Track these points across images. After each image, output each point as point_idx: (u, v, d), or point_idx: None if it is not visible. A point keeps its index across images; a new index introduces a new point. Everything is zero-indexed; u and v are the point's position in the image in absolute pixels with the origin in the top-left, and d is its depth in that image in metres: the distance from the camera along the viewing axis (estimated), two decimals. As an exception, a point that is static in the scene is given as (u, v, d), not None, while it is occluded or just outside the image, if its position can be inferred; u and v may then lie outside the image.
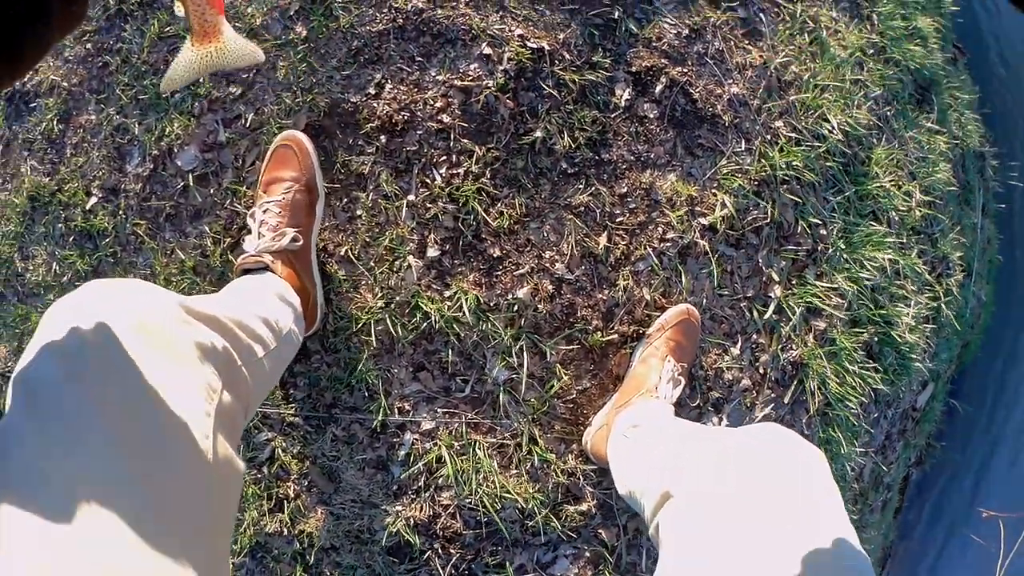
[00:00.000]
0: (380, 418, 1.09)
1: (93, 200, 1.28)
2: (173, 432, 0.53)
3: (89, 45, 1.37)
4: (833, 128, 1.29)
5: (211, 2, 0.54)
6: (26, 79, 1.43)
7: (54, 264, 1.33)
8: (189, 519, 0.52)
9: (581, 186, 1.12)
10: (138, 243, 1.23)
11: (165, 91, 0.72)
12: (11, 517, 0.43)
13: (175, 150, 1.20)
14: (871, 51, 1.45)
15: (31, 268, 1.36)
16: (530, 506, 1.10)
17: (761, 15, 1.29)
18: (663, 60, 1.18)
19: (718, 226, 1.16)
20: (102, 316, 0.55)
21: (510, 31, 1.12)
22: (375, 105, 1.11)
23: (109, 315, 0.55)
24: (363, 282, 1.10)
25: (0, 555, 0.41)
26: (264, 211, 1.04)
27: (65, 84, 1.36)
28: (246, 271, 1.00)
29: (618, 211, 1.13)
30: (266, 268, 0.98)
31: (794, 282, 1.24)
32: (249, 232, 1.04)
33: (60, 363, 0.51)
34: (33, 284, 1.36)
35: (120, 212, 1.24)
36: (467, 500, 1.09)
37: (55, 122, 1.35)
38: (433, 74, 1.11)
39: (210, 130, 1.18)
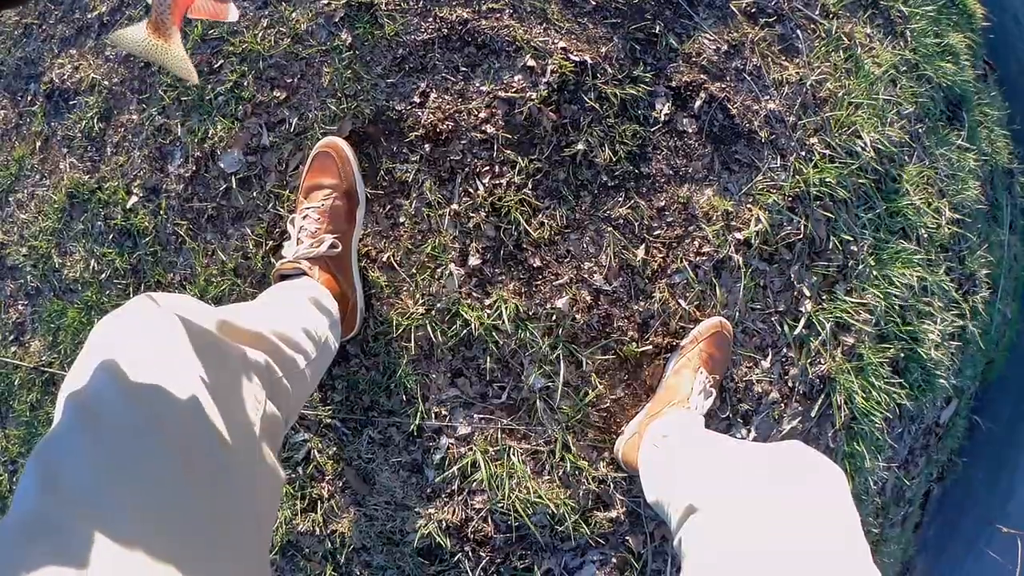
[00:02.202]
0: (417, 422, 1.10)
1: (134, 199, 1.30)
2: (227, 445, 0.54)
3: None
4: (866, 145, 1.30)
5: (172, 10, 0.55)
6: (66, 76, 1.46)
7: (92, 261, 1.35)
8: (243, 530, 0.54)
9: (621, 199, 1.13)
10: (179, 243, 1.25)
11: (110, 43, 0.74)
12: (69, 546, 0.41)
13: (218, 152, 1.22)
14: (904, 68, 1.46)
15: (68, 264, 1.39)
16: (561, 512, 1.11)
17: (798, 32, 1.30)
18: (702, 75, 1.19)
19: (752, 241, 1.18)
20: (154, 331, 0.55)
21: (553, 43, 1.14)
22: (420, 114, 1.12)
23: (161, 330, 0.55)
24: (404, 288, 1.11)
25: None
26: (304, 217, 1.05)
27: (106, 83, 1.38)
28: (284, 276, 1.02)
29: (656, 224, 1.14)
30: (303, 274, 1.00)
31: (824, 297, 1.25)
32: (288, 238, 1.06)
33: (117, 382, 0.50)
34: (70, 280, 1.38)
35: (161, 212, 1.26)
36: (499, 504, 1.11)
37: (96, 120, 1.37)
38: (477, 84, 1.13)
39: (254, 133, 1.20)
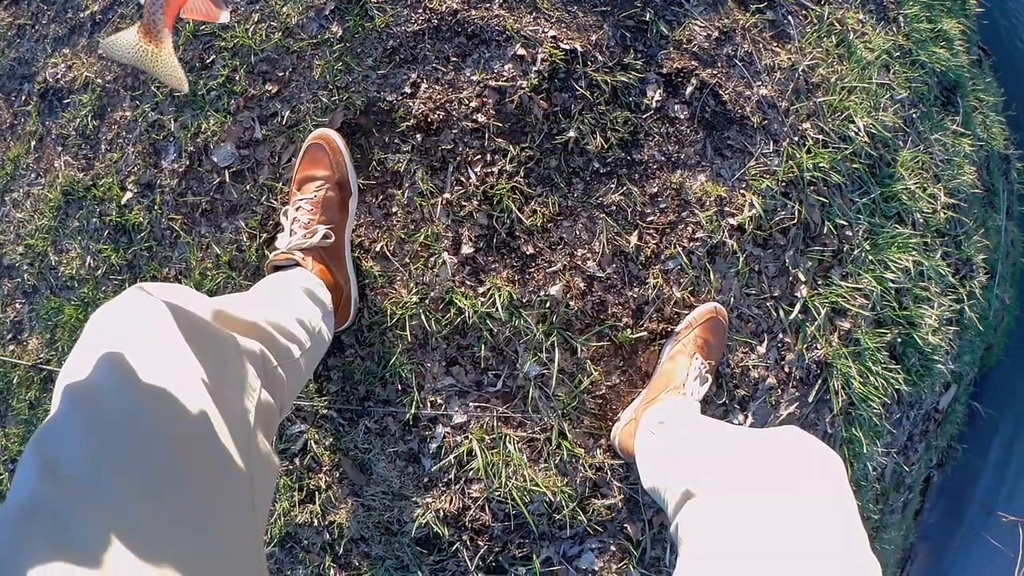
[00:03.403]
0: (412, 411, 1.10)
1: (128, 195, 1.30)
2: (221, 432, 0.54)
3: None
4: (859, 130, 1.30)
5: (165, 10, 0.55)
6: (60, 75, 1.46)
7: (88, 258, 1.35)
8: (238, 517, 0.54)
9: (613, 186, 1.13)
10: (173, 238, 1.25)
11: (101, 51, 0.73)
12: (67, 532, 0.42)
13: (211, 146, 1.22)
14: (897, 53, 1.46)
15: (64, 262, 1.39)
16: (558, 500, 1.11)
17: (789, 17, 1.30)
18: (693, 62, 1.19)
19: (746, 226, 1.17)
20: (148, 321, 0.56)
21: (543, 32, 1.14)
22: (411, 104, 1.12)
23: (155, 319, 0.56)
24: (398, 278, 1.11)
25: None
26: (297, 209, 1.06)
27: (100, 81, 1.39)
28: (278, 268, 1.02)
29: (649, 210, 1.14)
30: (297, 265, 1.00)
31: (820, 282, 1.25)
32: (282, 230, 1.06)
33: (112, 372, 0.51)
34: (66, 277, 1.39)
35: (155, 207, 1.27)
36: (496, 493, 1.11)
37: (90, 118, 1.38)
38: (468, 74, 1.13)
39: (246, 127, 1.20)
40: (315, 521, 1.18)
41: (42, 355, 1.43)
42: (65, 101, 1.44)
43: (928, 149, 1.46)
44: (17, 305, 1.48)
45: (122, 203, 1.30)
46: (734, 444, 0.75)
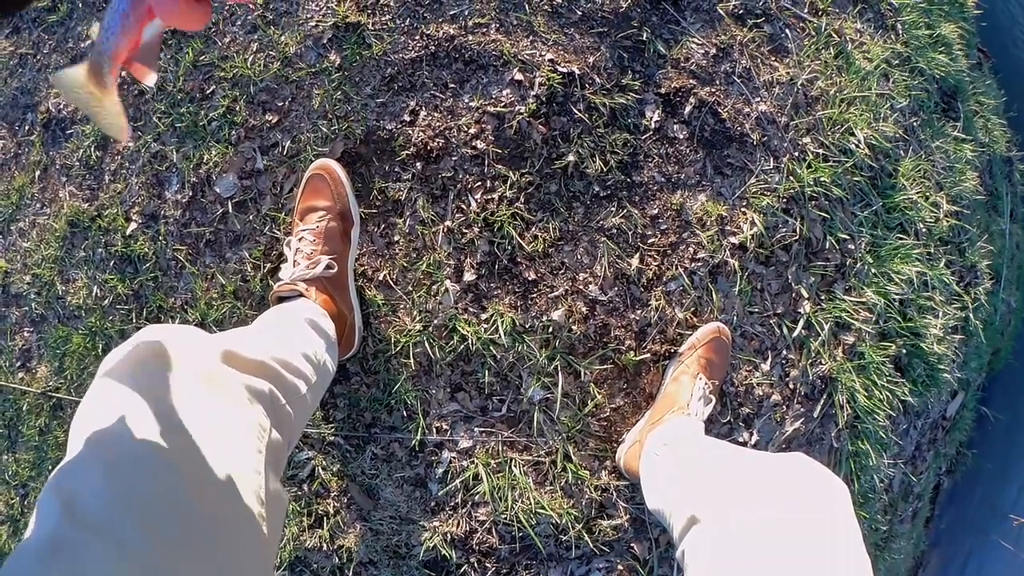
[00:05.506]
0: (418, 437, 1.11)
1: (133, 226, 1.31)
2: (234, 476, 0.56)
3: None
4: (860, 142, 1.29)
5: (114, 54, 0.51)
6: (62, 105, 1.47)
7: (95, 288, 1.36)
8: (249, 555, 0.55)
9: (613, 209, 1.13)
10: (178, 268, 1.26)
11: (52, 83, 0.68)
12: (85, 569, 0.44)
13: (213, 177, 1.23)
14: (896, 62, 1.45)
15: (71, 291, 1.40)
16: (564, 521, 1.12)
17: (787, 31, 1.30)
18: (691, 80, 1.19)
19: (748, 244, 1.17)
20: (164, 365, 0.57)
21: (540, 56, 1.14)
22: (410, 132, 1.13)
23: (169, 364, 0.58)
24: (401, 306, 1.12)
25: None
26: (299, 239, 1.07)
27: (102, 110, 1.40)
28: (282, 298, 1.03)
29: (650, 232, 1.14)
30: (301, 296, 1.01)
31: (823, 297, 1.25)
32: (286, 260, 1.07)
33: (129, 414, 0.52)
34: (73, 307, 1.40)
35: (160, 237, 1.28)
36: (503, 516, 1.12)
37: (93, 149, 1.39)
38: (466, 100, 1.13)
39: (248, 158, 1.21)
40: (324, 545, 1.19)
41: (51, 383, 1.45)
42: (68, 131, 1.45)
43: (930, 157, 1.46)
44: (25, 333, 1.49)
45: (127, 233, 1.31)
46: (739, 469, 0.76)
